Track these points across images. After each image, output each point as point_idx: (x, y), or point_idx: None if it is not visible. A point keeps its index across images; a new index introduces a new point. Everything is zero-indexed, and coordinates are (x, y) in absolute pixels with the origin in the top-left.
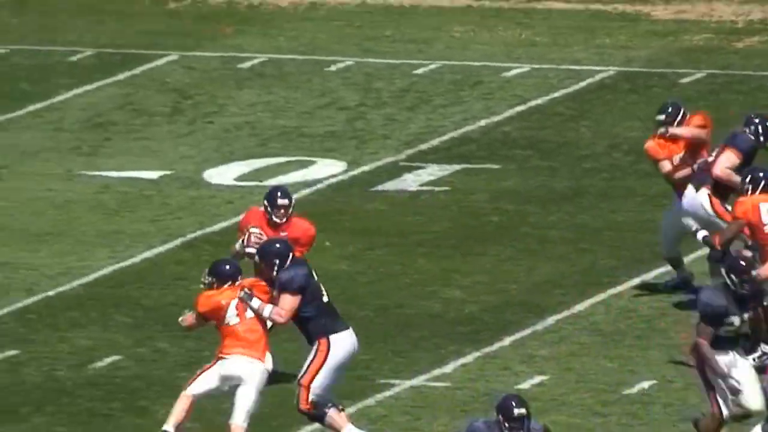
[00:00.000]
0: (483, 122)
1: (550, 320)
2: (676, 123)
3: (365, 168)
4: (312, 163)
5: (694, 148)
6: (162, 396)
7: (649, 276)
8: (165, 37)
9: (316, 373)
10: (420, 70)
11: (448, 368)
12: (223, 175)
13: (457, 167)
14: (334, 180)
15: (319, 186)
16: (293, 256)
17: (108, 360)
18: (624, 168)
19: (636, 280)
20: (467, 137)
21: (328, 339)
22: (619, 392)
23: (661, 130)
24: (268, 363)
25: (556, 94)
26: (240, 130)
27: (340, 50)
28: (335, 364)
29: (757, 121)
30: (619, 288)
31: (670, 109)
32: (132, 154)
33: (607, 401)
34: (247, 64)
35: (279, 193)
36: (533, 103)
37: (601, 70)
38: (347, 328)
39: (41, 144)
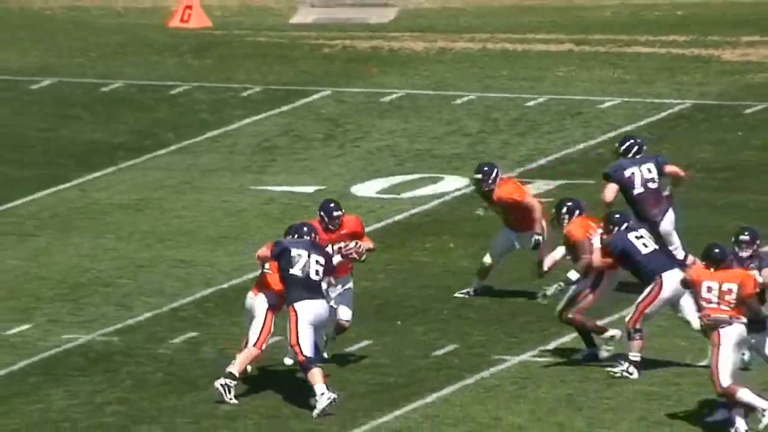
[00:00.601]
0: (582, 145)
1: (633, 307)
2: (491, 180)
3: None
4: (441, 179)
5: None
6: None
7: None
8: (320, 76)
9: (296, 333)
10: (530, 103)
11: (550, 346)
12: (368, 189)
13: (559, 182)
14: (458, 193)
15: (446, 198)
16: (293, 237)
17: (271, 340)
18: (698, 183)
19: None
20: (568, 158)
21: (293, 307)
22: (690, 366)
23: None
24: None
25: (641, 122)
26: (382, 153)
27: (465, 86)
28: (307, 324)
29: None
30: None
31: (485, 169)
32: (292, 172)
33: (681, 373)
34: (387, 98)
35: (333, 206)
36: (623, 129)
37: (679, 103)
38: (313, 298)
39: (218, 164)
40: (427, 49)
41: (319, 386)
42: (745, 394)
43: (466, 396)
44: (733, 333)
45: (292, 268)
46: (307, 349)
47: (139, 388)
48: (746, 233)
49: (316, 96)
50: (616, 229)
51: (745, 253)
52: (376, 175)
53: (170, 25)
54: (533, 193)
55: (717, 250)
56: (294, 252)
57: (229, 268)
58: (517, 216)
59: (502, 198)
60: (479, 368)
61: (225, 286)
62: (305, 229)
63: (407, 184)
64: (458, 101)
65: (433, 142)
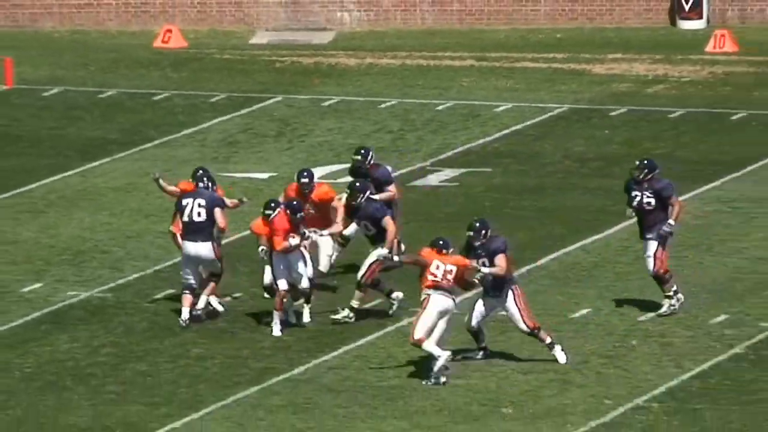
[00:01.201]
0: (480, 141)
1: (523, 270)
2: (313, 183)
3: (403, 171)
4: None
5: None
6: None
7: (587, 241)
8: (273, 86)
9: None
10: (440, 107)
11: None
12: None
13: (463, 170)
14: None
15: None
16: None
17: (232, 295)
18: (573, 171)
19: (578, 244)
20: (470, 151)
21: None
22: (567, 317)
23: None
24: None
25: (528, 122)
26: (322, 146)
27: (388, 94)
28: (184, 262)
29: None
30: (567, 249)
31: (305, 174)
32: (251, 162)
33: (560, 322)
34: (327, 103)
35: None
36: (514, 128)
37: (558, 107)
38: (192, 240)
39: (191, 155)
40: (358, 64)
41: (185, 312)
42: (428, 345)
43: (389, 340)
44: (439, 302)
45: (183, 216)
46: (184, 280)
47: (128, 334)
48: (476, 225)
49: (269, 101)
50: (361, 195)
51: (476, 243)
52: (317, 164)
53: (154, 45)
54: (442, 179)
55: (441, 242)
56: (184, 202)
57: None
58: (324, 215)
59: (321, 198)
60: (399, 318)
61: None
62: (203, 181)
63: (342, 172)
64: (383, 106)
65: (363, 138)
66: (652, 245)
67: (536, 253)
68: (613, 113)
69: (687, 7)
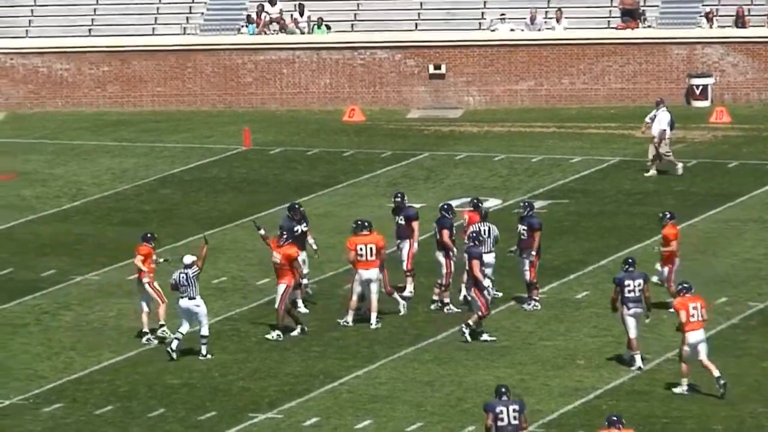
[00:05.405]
0: (561, 182)
1: (590, 268)
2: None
3: (509, 202)
4: (486, 200)
5: None
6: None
7: (632, 248)
8: (422, 146)
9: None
10: (534, 160)
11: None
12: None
13: (549, 201)
14: (495, 208)
15: (490, 208)
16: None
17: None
18: (622, 201)
19: (626, 250)
20: (554, 188)
21: None
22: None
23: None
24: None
25: (593, 169)
26: (454, 186)
27: (499, 150)
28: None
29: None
30: (619, 253)
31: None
32: (409, 195)
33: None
34: (458, 157)
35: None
36: (583, 173)
37: (612, 159)
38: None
39: (368, 192)
40: (479, 131)
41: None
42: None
43: (500, 315)
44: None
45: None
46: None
47: (326, 311)
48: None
49: (420, 156)
50: None
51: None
52: (452, 197)
53: (343, 119)
54: (543, 205)
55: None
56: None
57: None
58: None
59: None
60: (506, 300)
61: None
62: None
63: (468, 204)
64: (495, 159)
65: (482, 180)
66: (527, 262)
67: (599, 257)
68: (648, 163)
69: (698, 93)
